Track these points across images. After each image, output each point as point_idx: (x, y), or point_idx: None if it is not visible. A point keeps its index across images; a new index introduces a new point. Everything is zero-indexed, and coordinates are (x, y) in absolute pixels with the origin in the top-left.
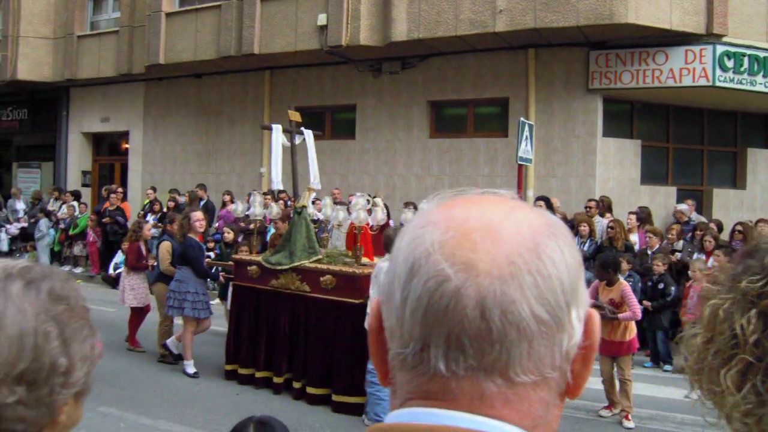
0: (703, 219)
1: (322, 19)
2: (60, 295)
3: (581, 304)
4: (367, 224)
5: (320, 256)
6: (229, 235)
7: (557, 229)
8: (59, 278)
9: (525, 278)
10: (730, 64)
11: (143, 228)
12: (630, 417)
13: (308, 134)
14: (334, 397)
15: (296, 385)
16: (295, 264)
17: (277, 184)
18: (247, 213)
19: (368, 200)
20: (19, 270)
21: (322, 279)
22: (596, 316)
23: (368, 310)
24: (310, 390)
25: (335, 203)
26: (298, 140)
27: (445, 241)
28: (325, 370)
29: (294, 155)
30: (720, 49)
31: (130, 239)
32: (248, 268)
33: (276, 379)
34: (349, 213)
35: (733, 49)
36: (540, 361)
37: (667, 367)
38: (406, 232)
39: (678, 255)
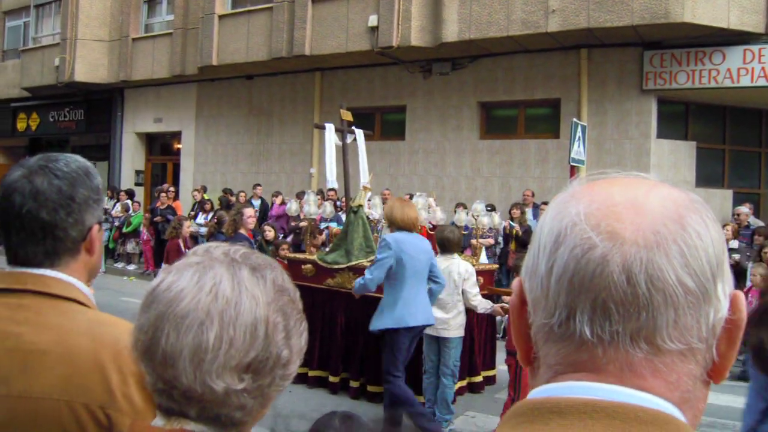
0: (761, 223)
1: (373, 20)
2: (282, 286)
3: (726, 280)
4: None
5: None
6: (269, 233)
7: (701, 205)
8: (277, 268)
9: (671, 247)
10: None
11: (183, 225)
12: None
13: (359, 134)
14: None
15: (354, 384)
16: (353, 263)
17: (332, 183)
18: (300, 213)
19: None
20: (241, 255)
21: None
22: (742, 296)
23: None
24: (370, 388)
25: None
26: (349, 139)
27: (590, 212)
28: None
29: (346, 154)
30: None
31: (170, 236)
32: (303, 266)
33: (332, 378)
34: None
35: None
36: (687, 330)
37: None
38: (549, 208)
39: (736, 257)
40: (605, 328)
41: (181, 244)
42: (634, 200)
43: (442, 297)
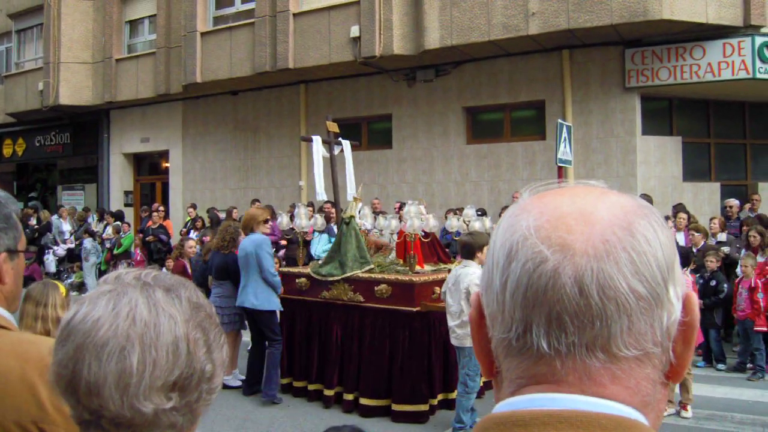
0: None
1: (354, 30)
2: (198, 303)
3: (678, 283)
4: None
5: (372, 266)
6: None
7: (649, 210)
8: (191, 287)
9: (620, 255)
10: None
11: (185, 245)
12: (688, 408)
13: (346, 144)
14: (394, 407)
15: (348, 397)
16: (348, 275)
17: (321, 195)
18: (292, 226)
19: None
20: (152, 278)
21: (376, 288)
22: (694, 296)
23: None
24: (363, 401)
25: (375, 213)
26: (336, 151)
27: (540, 225)
28: (382, 380)
29: (334, 166)
30: (759, 40)
31: (175, 257)
32: (297, 280)
33: (327, 392)
34: (400, 221)
35: None
36: (641, 336)
37: (721, 366)
38: (501, 221)
39: (726, 249)
40: (561, 340)
41: (187, 265)
42: (583, 210)
43: (452, 305)
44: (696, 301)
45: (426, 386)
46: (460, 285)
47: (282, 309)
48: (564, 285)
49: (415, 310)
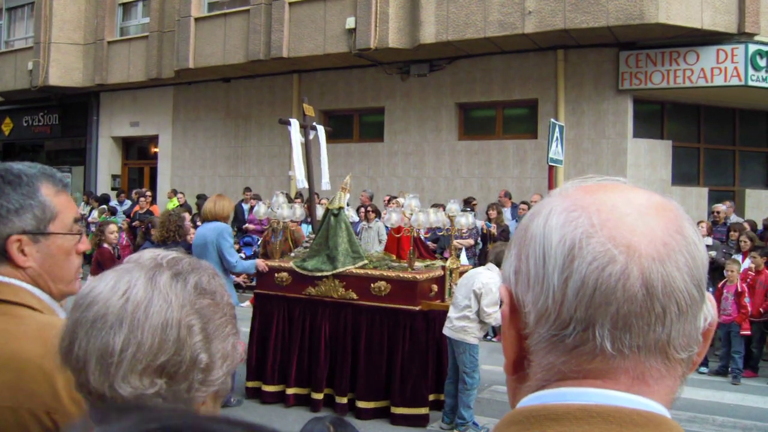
0: (740, 219)
1: (350, 22)
2: (206, 289)
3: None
4: (408, 227)
5: (366, 261)
6: None
7: (685, 213)
8: (206, 273)
9: (678, 258)
10: (762, 63)
11: (105, 231)
12: None
13: (320, 130)
14: (393, 410)
15: (340, 400)
16: (339, 270)
17: (302, 182)
18: (269, 216)
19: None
20: (168, 261)
21: (373, 285)
22: (711, 296)
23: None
24: (360, 404)
25: (366, 206)
26: (311, 135)
27: (603, 223)
28: (380, 381)
29: (309, 151)
30: (752, 48)
31: (96, 244)
32: (276, 274)
33: (315, 395)
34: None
35: (765, 48)
36: (690, 338)
37: (703, 369)
38: (553, 215)
39: (712, 254)
40: (625, 342)
41: (112, 251)
42: (640, 211)
43: (459, 297)
44: (714, 301)
45: (425, 388)
46: (473, 284)
47: (240, 304)
48: (632, 286)
49: (417, 308)
